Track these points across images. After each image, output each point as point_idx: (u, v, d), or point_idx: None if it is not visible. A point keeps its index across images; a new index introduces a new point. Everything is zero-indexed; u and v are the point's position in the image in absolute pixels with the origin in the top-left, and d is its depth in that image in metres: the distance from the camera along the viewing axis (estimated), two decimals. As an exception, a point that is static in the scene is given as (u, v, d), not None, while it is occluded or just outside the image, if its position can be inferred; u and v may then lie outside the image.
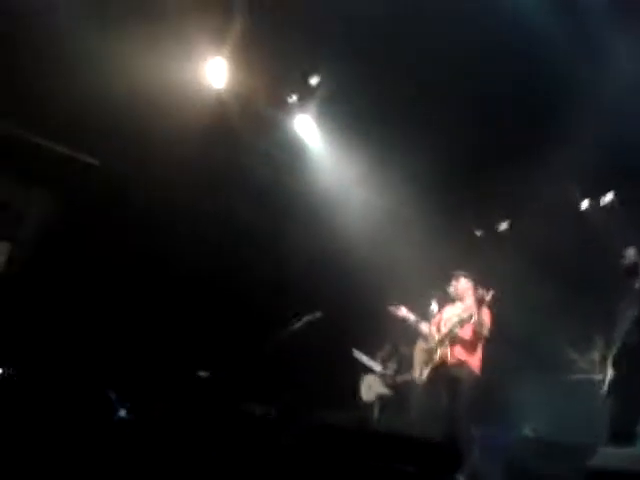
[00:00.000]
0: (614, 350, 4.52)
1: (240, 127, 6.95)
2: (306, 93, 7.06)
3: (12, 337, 6.08)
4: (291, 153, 7.64)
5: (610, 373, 4.50)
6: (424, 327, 5.81)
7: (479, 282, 5.86)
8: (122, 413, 4.94)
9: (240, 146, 7.25)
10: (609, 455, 3.06)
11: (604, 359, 4.69)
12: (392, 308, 5.98)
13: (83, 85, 5.92)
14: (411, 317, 5.90)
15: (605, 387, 4.53)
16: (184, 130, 6.30)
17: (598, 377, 4.77)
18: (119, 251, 7.07)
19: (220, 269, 7.54)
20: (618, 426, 4.37)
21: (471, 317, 5.31)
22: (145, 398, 5.48)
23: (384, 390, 7.13)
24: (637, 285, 4.64)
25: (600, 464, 2.98)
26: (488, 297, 5.11)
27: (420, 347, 5.90)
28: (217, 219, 7.65)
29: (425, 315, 5.83)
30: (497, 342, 5.67)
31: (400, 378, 7.03)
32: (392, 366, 7.22)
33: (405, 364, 7.05)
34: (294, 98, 7.17)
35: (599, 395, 4.62)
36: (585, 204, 7.10)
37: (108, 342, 6.69)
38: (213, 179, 7.36)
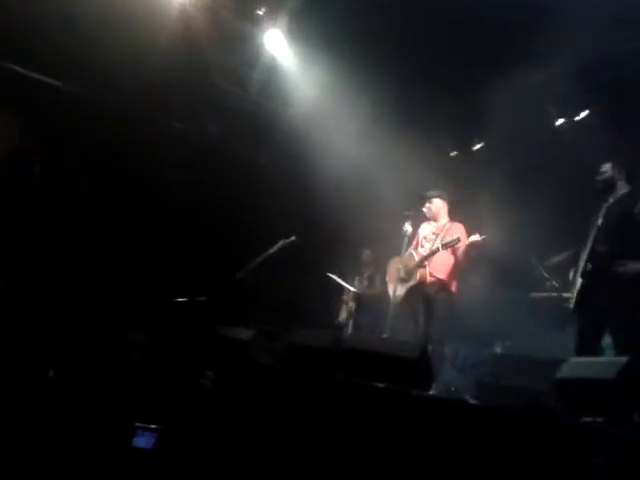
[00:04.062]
0: (584, 260, 4.49)
1: (206, 42, 6.60)
2: (276, 5, 6.69)
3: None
4: (261, 70, 7.31)
5: (579, 283, 4.48)
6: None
7: (452, 202, 5.86)
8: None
9: (206, 62, 6.91)
10: (576, 365, 3.10)
11: (575, 273, 4.66)
12: None
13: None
14: None
15: (573, 300, 4.51)
16: (146, 44, 5.96)
17: (567, 294, 4.74)
18: (89, 175, 6.85)
19: (194, 192, 7.36)
20: (584, 336, 4.41)
21: (457, 241, 5.31)
22: (126, 325, 5.46)
23: (353, 306, 7.16)
24: (610, 200, 4.56)
25: (567, 374, 3.01)
26: (478, 240, 5.28)
27: (395, 265, 5.86)
28: (189, 138, 7.38)
29: (400, 235, 5.79)
30: (474, 262, 5.70)
31: (367, 292, 7.08)
32: (362, 284, 7.26)
33: (374, 281, 7.14)
34: (263, 10, 6.79)
35: (568, 311, 4.63)
36: (560, 121, 6.96)
37: (84, 270, 6.58)
38: (180, 97, 7.03)
